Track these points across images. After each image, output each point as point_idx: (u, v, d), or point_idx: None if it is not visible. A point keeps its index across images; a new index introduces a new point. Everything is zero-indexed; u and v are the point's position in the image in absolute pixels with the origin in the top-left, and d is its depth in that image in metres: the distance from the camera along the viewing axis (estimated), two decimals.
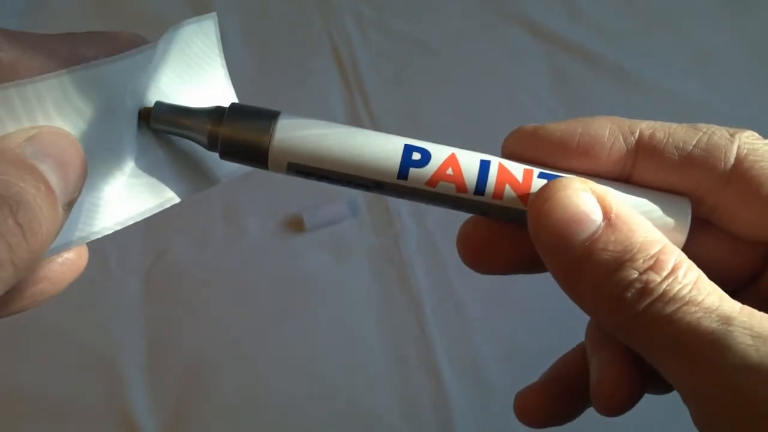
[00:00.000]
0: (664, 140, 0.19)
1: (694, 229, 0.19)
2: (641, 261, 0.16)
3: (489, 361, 0.46)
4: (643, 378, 0.20)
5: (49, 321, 0.45)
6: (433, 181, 0.18)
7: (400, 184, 0.18)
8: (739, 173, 0.18)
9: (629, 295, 0.16)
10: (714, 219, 0.19)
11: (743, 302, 0.16)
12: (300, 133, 0.18)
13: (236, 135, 0.18)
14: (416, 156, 0.18)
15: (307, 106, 0.53)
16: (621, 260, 0.16)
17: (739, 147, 0.18)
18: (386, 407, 0.44)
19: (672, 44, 0.57)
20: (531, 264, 0.20)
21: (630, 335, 0.17)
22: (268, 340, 0.45)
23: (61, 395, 0.43)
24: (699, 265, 0.17)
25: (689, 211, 0.19)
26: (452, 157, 0.18)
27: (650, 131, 0.19)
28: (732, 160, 0.18)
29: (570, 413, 0.22)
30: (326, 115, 0.53)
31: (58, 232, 0.16)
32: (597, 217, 0.17)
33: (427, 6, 0.57)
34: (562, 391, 0.22)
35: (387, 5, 0.57)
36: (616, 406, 0.20)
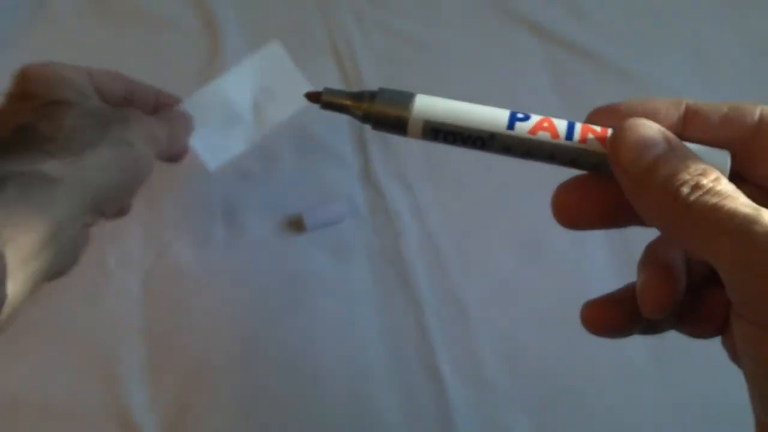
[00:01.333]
0: (705, 107, 0.24)
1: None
2: (693, 170, 0.21)
3: (489, 361, 0.46)
4: (675, 284, 0.24)
5: (49, 321, 0.45)
6: (533, 130, 0.24)
7: (508, 134, 0.24)
8: (765, 126, 0.23)
9: (685, 190, 0.21)
10: (745, 172, 0.24)
11: None
12: (433, 102, 0.25)
13: (384, 110, 0.25)
14: (520, 115, 0.24)
15: (306, 106, 0.53)
16: (679, 169, 0.21)
17: (762, 108, 0.24)
18: (386, 407, 0.44)
19: (673, 43, 0.57)
20: (615, 218, 0.26)
21: (682, 226, 0.21)
22: (269, 341, 0.46)
23: (60, 395, 0.43)
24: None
25: (728, 158, 0.24)
26: (546, 118, 0.24)
27: (693, 103, 0.25)
28: (757, 115, 0.23)
29: (627, 326, 0.26)
30: (326, 115, 0.53)
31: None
32: (662, 142, 0.22)
33: (427, 5, 0.57)
34: (621, 305, 0.26)
35: (387, 4, 0.57)
36: (657, 305, 0.24)
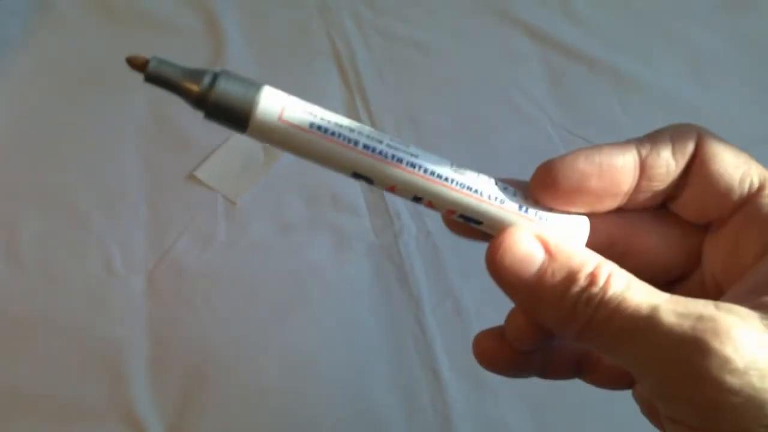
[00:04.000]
0: (653, 144, 0.23)
1: (647, 227, 0.23)
2: (582, 279, 0.20)
3: None
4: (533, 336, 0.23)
5: (53, 320, 0.45)
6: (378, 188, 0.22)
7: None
8: (697, 159, 0.22)
9: (580, 307, 0.20)
10: (672, 205, 0.24)
11: (681, 292, 0.20)
12: (283, 102, 0.21)
13: (225, 97, 0.20)
14: (363, 179, 0.21)
15: None
16: (567, 282, 0.20)
17: (698, 135, 0.23)
18: (386, 406, 0.45)
19: (668, 47, 0.57)
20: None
21: (588, 338, 0.20)
22: (270, 339, 0.46)
23: (65, 394, 0.43)
24: (644, 260, 0.23)
25: (587, 225, 0.23)
26: (391, 188, 0.22)
27: (641, 144, 0.23)
28: (692, 147, 0.23)
29: (519, 364, 0.25)
30: None
31: None
32: (540, 253, 0.21)
33: (426, 8, 0.58)
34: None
35: (386, 7, 0.57)
36: (519, 335, 0.23)
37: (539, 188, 0.22)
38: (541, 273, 0.21)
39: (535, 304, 0.21)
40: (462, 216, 0.22)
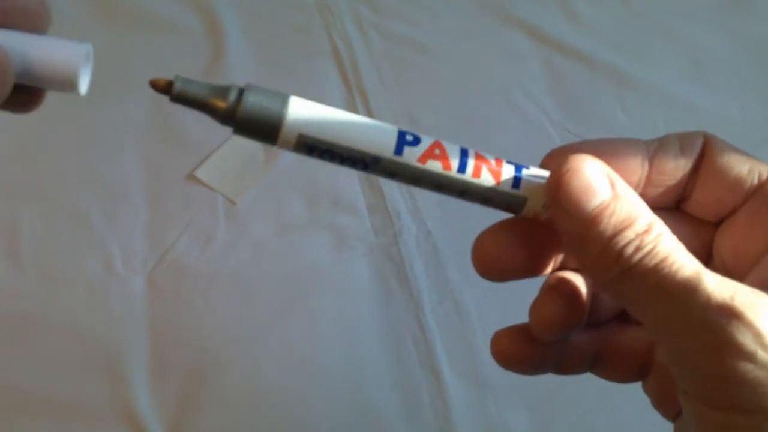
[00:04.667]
0: (663, 144, 0.23)
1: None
2: (638, 227, 0.20)
3: (488, 360, 0.46)
4: (571, 308, 0.24)
5: (53, 320, 0.45)
6: (423, 158, 0.21)
7: (395, 160, 0.21)
8: (706, 158, 0.23)
9: (628, 251, 0.20)
10: (682, 203, 0.24)
11: None
12: (311, 110, 0.21)
13: (253, 111, 0.20)
14: (409, 138, 0.21)
15: None
16: (623, 225, 0.20)
17: (705, 137, 0.23)
18: (386, 405, 0.45)
19: (668, 47, 0.57)
20: (541, 266, 0.24)
21: (623, 287, 0.20)
22: (270, 339, 0.46)
23: (65, 394, 0.43)
24: None
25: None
26: (438, 142, 0.21)
27: (651, 142, 0.23)
28: (699, 146, 0.23)
29: (538, 360, 0.25)
30: None
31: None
32: (606, 189, 0.20)
33: (426, 8, 0.58)
34: (531, 336, 0.25)
35: (386, 7, 0.57)
36: (546, 324, 0.23)
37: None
38: (602, 207, 0.20)
39: (584, 240, 0.20)
40: (510, 162, 0.22)
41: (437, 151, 0.21)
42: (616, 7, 0.59)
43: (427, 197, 0.50)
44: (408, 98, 0.54)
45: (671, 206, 0.24)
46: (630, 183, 0.22)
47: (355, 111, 0.54)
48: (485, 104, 0.55)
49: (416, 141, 0.21)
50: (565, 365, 0.25)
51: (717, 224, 0.24)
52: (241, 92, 0.20)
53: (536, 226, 0.23)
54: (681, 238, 0.22)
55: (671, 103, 0.55)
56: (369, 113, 0.54)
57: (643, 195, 0.23)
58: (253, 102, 0.20)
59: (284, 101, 0.20)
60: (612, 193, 0.20)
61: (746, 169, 0.22)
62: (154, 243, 0.48)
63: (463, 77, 0.56)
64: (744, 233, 0.23)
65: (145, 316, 0.46)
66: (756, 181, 0.22)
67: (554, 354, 0.25)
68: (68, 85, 0.22)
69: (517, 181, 0.22)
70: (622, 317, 0.26)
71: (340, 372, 0.45)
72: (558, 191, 0.20)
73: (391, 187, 0.50)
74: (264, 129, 0.20)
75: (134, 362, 0.45)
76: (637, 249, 0.19)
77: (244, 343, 0.46)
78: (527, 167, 0.22)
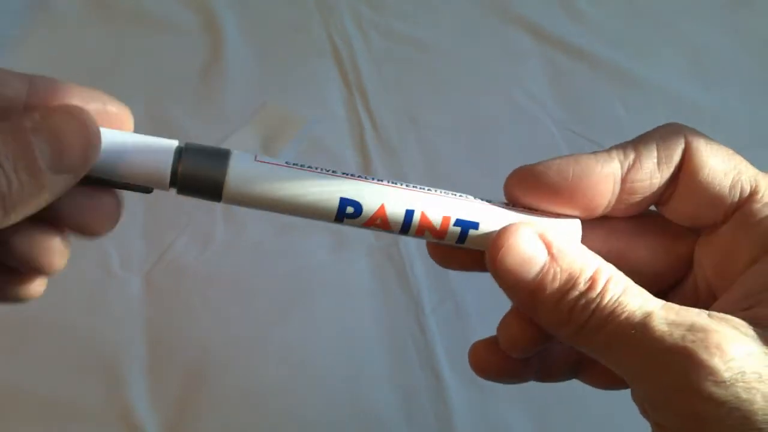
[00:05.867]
0: (641, 150, 0.23)
1: (638, 234, 0.24)
2: (582, 284, 0.20)
3: None
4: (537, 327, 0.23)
5: (50, 321, 0.45)
6: (365, 226, 0.22)
7: (337, 225, 0.22)
8: (685, 164, 0.23)
9: (576, 310, 0.20)
10: (664, 209, 0.24)
11: (675, 298, 0.21)
12: (252, 171, 0.21)
13: (193, 172, 0.20)
14: (350, 210, 0.21)
15: (307, 106, 0.53)
16: (567, 286, 0.20)
17: (686, 138, 0.22)
18: (386, 406, 0.45)
19: (670, 45, 0.57)
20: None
21: (581, 342, 0.21)
22: (269, 340, 0.46)
23: (62, 395, 0.43)
24: (635, 267, 0.22)
25: (579, 226, 0.23)
26: (381, 209, 0.21)
27: (622, 150, 0.23)
28: (680, 153, 0.22)
29: (517, 371, 0.25)
30: (326, 115, 0.53)
31: (44, 192, 0.19)
32: (542, 255, 0.21)
33: (426, 7, 0.57)
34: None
35: (386, 6, 0.57)
36: (512, 342, 0.24)
37: (517, 185, 0.23)
38: (542, 275, 0.20)
39: (533, 305, 0.21)
40: (458, 222, 0.22)
41: (379, 221, 0.21)
42: (619, 5, 0.59)
43: None
44: (408, 98, 0.54)
45: (646, 210, 0.24)
46: (599, 205, 0.22)
47: (355, 110, 0.53)
48: (486, 104, 0.55)
49: (357, 212, 0.21)
50: (547, 373, 0.25)
51: (696, 231, 0.24)
52: (179, 153, 0.21)
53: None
54: (659, 247, 0.23)
55: (674, 102, 0.55)
56: (369, 112, 0.53)
57: (615, 210, 0.23)
58: (191, 161, 0.20)
59: (225, 158, 0.21)
60: (549, 256, 0.20)
61: (728, 183, 0.22)
62: (152, 243, 0.48)
63: (464, 76, 0.56)
64: (726, 251, 0.23)
65: (143, 316, 0.46)
66: (737, 198, 0.22)
67: (533, 364, 0.25)
68: (157, 182, 0.22)
69: (462, 239, 0.22)
70: None
71: (340, 373, 0.45)
72: (497, 270, 0.21)
73: None
74: (208, 187, 0.21)
75: (132, 363, 0.44)
76: (584, 307, 0.20)
77: (242, 344, 0.45)
78: (476, 227, 0.22)
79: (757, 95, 0.56)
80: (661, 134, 0.23)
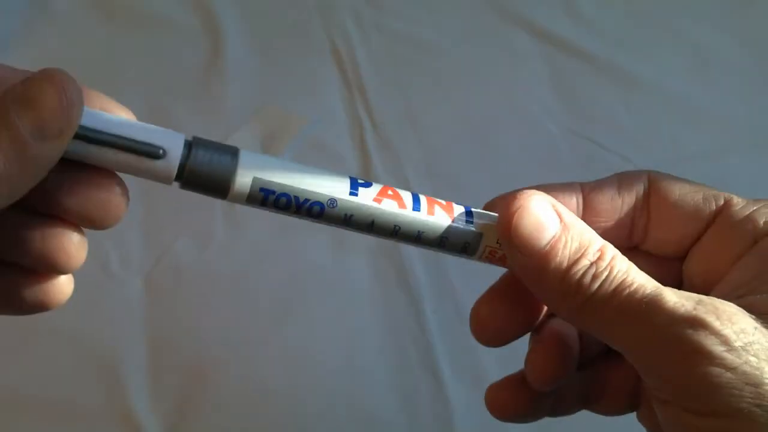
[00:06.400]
0: (600, 186, 0.24)
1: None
2: (591, 254, 0.20)
3: (489, 361, 0.46)
4: (564, 355, 0.24)
5: (50, 322, 0.45)
6: (378, 197, 0.22)
7: (351, 200, 0.21)
8: (652, 195, 0.24)
9: (586, 280, 0.20)
10: (636, 240, 0.24)
11: None
12: (261, 161, 0.21)
13: (201, 167, 0.20)
14: (361, 181, 0.22)
15: (307, 106, 0.53)
16: (577, 255, 0.20)
17: (648, 175, 0.24)
18: (386, 407, 0.45)
19: (671, 45, 0.57)
20: (532, 323, 0.25)
21: (587, 315, 0.20)
22: (269, 341, 0.46)
23: (62, 396, 0.43)
24: None
25: None
26: (389, 186, 0.22)
27: (586, 184, 0.24)
28: (645, 184, 0.24)
29: (533, 408, 0.25)
30: (326, 115, 0.53)
31: (33, 163, 0.18)
32: (555, 222, 0.21)
33: (426, 7, 0.57)
34: (524, 386, 0.25)
35: (387, 6, 0.57)
36: (544, 376, 0.24)
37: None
38: (554, 241, 0.20)
39: (540, 274, 0.21)
40: (466, 213, 0.23)
41: (390, 192, 0.22)
42: (620, 6, 0.59)
43: None
44: (408, 98, 0.54)
45: (628, 249, 0.24)
46: None
47: (355, 110, 0.53)
48: (487, 104, 0.55)
49: (369, 184, 0.22)
50: (560, 407, 0.26)
51: (681, 259, 0.24)
52: (187, 147, 0.20)
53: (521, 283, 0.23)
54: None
55: (674, 102, 0.55)
56: (369, 113, 0.53)
57: None
58: (198, 157, 0.20)
59: (234, 153, 0.21)
60: (561, 225, 0.21)
61: (700, 197, 0.23)
62: (152, 244, 0.48)
63: (464, 76, 0.56)
64: (711, 258, 0.23)
65: (143, 317, 0.46)
66: (714, 207, 0.23)
67: (548, 399, 0.25)
68: (163, 174, 0.21)
69: (469, 215, 0.23)
70: (608, 353, 0.26)
71: (340, 374, 0.45)
72: (509, 231, 0.21)
73: None
74: (214, 183, 0.21)
75: (132, 364, 0.44)
76: (595, 277, 0.20)
77: (242, 345, 0.45)
78: (475, 209, 0.23)
79: (757, 95, 0.56)
80: (621, 174, 0.24)
